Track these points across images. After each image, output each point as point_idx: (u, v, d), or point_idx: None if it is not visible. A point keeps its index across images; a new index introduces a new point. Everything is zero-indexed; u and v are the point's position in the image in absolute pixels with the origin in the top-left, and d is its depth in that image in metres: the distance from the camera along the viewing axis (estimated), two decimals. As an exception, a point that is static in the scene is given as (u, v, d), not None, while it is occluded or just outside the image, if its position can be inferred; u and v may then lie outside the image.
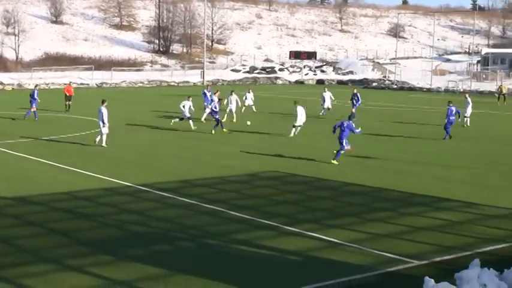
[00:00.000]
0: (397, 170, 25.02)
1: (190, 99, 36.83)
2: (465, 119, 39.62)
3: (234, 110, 41.00)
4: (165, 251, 14.72)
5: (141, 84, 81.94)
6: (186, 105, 36.44)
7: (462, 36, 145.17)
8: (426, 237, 15.83)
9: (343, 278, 12.88)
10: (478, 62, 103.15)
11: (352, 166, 25.79)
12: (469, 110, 39.87)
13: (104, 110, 29.55)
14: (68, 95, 46.80)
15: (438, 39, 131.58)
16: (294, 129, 33.80)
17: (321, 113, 43.75)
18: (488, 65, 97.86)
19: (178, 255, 14.44)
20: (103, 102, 30.10)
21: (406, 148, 30.53)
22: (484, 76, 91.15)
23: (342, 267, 13.60)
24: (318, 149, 29.82)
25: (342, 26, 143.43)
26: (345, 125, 26.10)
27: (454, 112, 33.34)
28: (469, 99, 40.03)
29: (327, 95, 44.12)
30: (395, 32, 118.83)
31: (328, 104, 43.89)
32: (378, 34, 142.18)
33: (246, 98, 45.42)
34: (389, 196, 20.56)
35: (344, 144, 26.04)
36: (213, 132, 34.58)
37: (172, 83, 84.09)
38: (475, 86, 79.10)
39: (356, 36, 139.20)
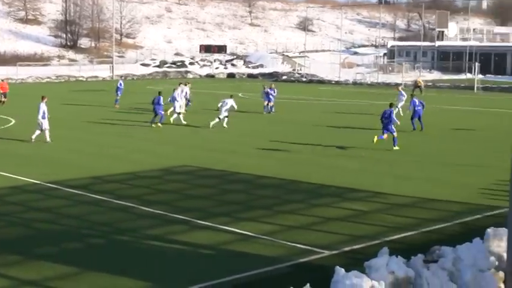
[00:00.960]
0: (309, 162, 25.31)
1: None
2: (396, 109, 40.94)
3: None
4: (75, 249, 14.47)
5: (48, 80, 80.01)
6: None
7: (369, 30, 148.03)
8: (336, 228, 16.12)
9: (256, 270, 12.99)
10: (385, 54, 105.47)
11: (264, 159, 25.99)
12: (401, 103, 40.78)
13: (44, 106, 29.40)
14: (1, 92, 45.94)
15: (346, 33, 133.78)
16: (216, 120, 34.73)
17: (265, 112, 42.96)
18: (394, 58, 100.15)
19: (89, 253, 14.21)
20: (43, 98, 29.90)
21: (318, 140, 30.85)
22: (390, 68, 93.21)
23: (254, 259, 13.69)
24: (233, 143, 29.90)
25: (251, 19, 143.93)
26: (388, 112, 27.53)
27: (417, 103, 33.94)
28: (403, 92, 41.02)
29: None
30: (304, 25, 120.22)
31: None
32: (287, 28, 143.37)
33: None
34: (301, 188, 20.81)
35: (392, 128, 27.43)
36: (157, 125, 34.96)
37: (80, 78, 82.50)
38: (382, 78, 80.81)
39: (266, 30, 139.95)
